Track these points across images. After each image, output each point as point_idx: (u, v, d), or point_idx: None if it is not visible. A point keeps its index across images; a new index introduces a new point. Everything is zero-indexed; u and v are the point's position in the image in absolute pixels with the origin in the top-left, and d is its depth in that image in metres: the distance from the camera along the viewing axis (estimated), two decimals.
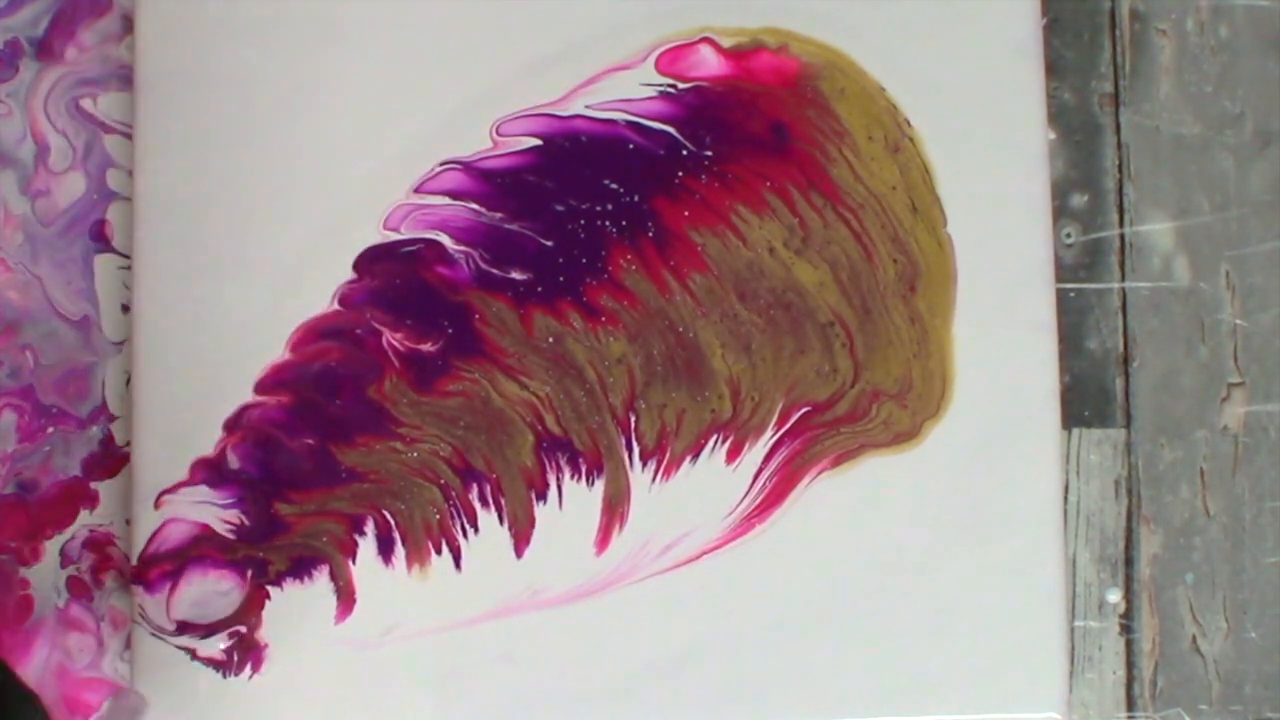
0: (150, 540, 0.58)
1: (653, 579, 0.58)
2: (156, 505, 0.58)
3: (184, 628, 0.58)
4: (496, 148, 0.59)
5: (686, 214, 0.59)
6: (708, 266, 0.59)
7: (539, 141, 0.59)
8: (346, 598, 0.58)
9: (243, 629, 0.58)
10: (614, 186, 0.59)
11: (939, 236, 0.59)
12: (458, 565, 0.58)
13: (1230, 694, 0.60)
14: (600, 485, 0.58)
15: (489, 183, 0.59)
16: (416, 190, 0.59)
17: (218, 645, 0.57)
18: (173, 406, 0.58)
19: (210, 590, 0.58)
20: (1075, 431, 0.60)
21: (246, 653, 0.57)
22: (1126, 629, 0.60)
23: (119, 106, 0.60)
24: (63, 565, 0.59)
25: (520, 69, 0.59)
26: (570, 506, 0.58)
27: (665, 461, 0.58)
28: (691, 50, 0.59)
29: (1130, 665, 0.60)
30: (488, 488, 0.58)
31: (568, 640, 0.58)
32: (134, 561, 0.58)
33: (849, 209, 0.59)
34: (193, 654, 0.57)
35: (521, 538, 0.58)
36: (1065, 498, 0.60)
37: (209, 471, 0.58)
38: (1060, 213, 0.61)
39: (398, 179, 0.59)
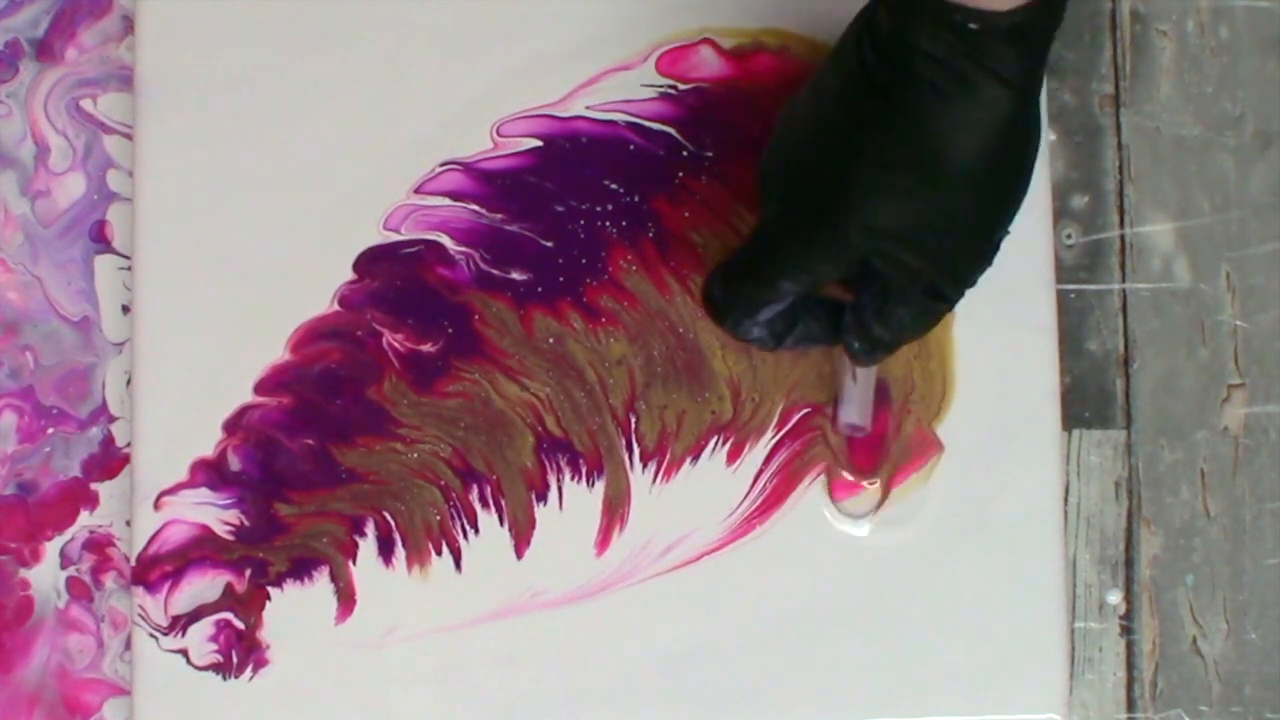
0: (150, 541, 0.58)
1: (653, 580, 0.58)
2: (156, 506, 0.58)
3: (175, 620, 0.57)
4: (497, 148, 0.59)
5: (687, 215, 0.59)
6: (709, 267, 0.59)
7: (539, 142, 0.59)
8: (347, 599, 0.58)
9: (229, 617, 0.58)
10: (614, 187, 0.59)
11: None
12: (458, 566, 0.58)
13: (1230, 695, 0.60)
14: (600, 486, 0.58)
15: (489, 184, 0.59)
16: (416, 191, 0.59)
17: (206, 638, 0.57)
18: (173, 407, 0.58)
19: (210, 592, 0.58)
20: (1075, 432, 0.60)
21: (247, 654, 0.57)
22: (1127, 630, 0.60)
23: (119, 106, 0.60)
24: (63, 566, 0.59)
25: (520, 69, 0.59)
26: (570, 508, 0.58)
27: (666, 463, 0.58)
28: (692, 51, 0.59)
29: (1130, 666, 0.60)
30: (488, 489, 0.58)
31: (568, 641, 0.58)
32: (134, 562, 0.58)
33: None
34: (187, 657, 0.57)
35: (522, 539, 0.58)
36: (1065, 499, 0.60)
37: (209, 473, 0.58)
38: (1060, 214, 0.61)
39: (398, 179, 0.59)
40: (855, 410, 0.56)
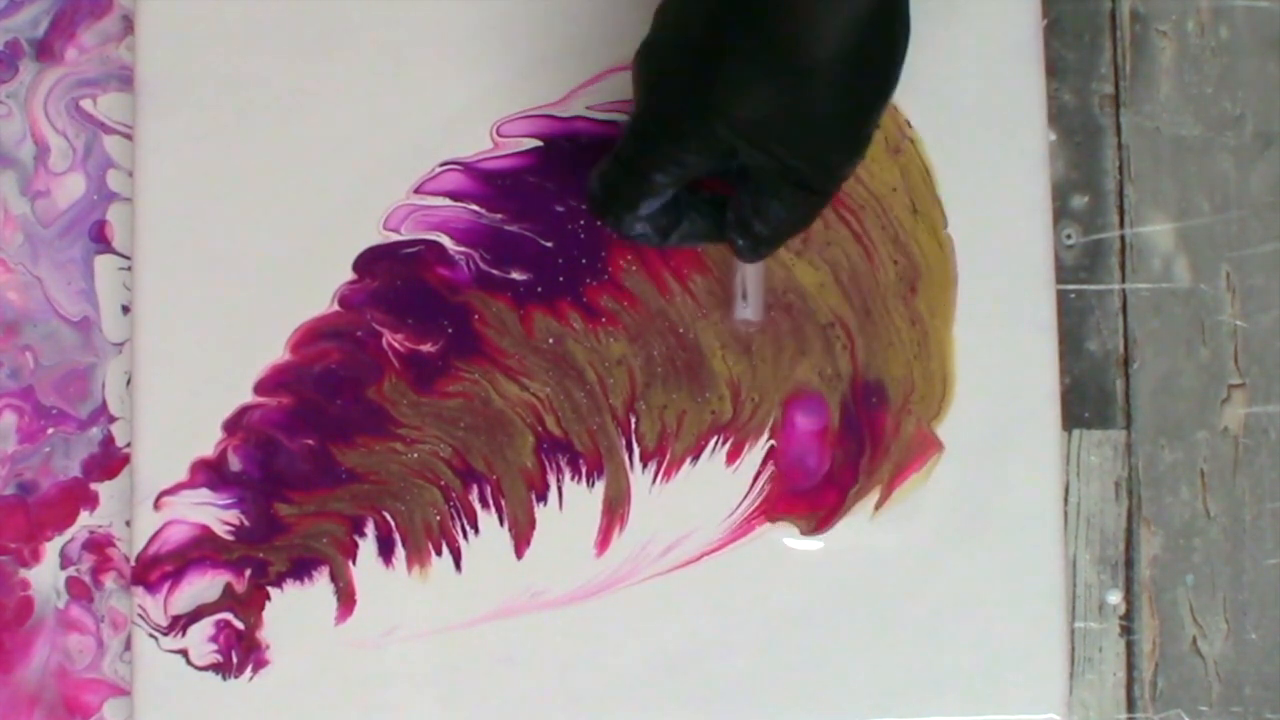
0: (150, 541, 0.58)
1: (653, 580, 0.58)
2: (156, 506, 0.58)
3: (175, 621, 0.58)
4: (497, 148, 0.59)
5: None
6: (708, 267, 0.59)
7: (539, 142, 0.59)
8: (347, 599, 0.58)
9: (229, 617, 0.58)
10: None
11: (939, 238, 0.59)
12: (458, 566, 0.58)
13: (1230, 695, 0.60)
14: (600, 486, 0.58)
15: (489, 184, 0.59)
16: (416, 191, 0.59)
17: (206, 638, 0.57)
18: (173, 407, 0.58)
19: (210, 592, 0.58)
20: (1075, 433, 0.60)
21: (247, 654, 0.57)
22: (1127, 630, 0.60)
23: (119, 106, 0.60)
24: (63, 566, 0.59)
25: (520, 69, 0.59)
26: (570, 508, 0.58)
27: (665, 463, 0.58)
28: None
29: (1130, 667, 0.60)
30: (488, 489, 0.58)
31: (568, 641, 0.58)
32: (134, 562, 0.58)
33: (849, 210, 0.59)
34: (187, 657, 0.57)
35: (522, 539, 0.58)
36: (1065, 499, 0.60)
37: (209, 473, 0.58)
38: (1061, 214, 0.61)
39: (398, 179, 0.59)
40: (750, 308, 0.57)
